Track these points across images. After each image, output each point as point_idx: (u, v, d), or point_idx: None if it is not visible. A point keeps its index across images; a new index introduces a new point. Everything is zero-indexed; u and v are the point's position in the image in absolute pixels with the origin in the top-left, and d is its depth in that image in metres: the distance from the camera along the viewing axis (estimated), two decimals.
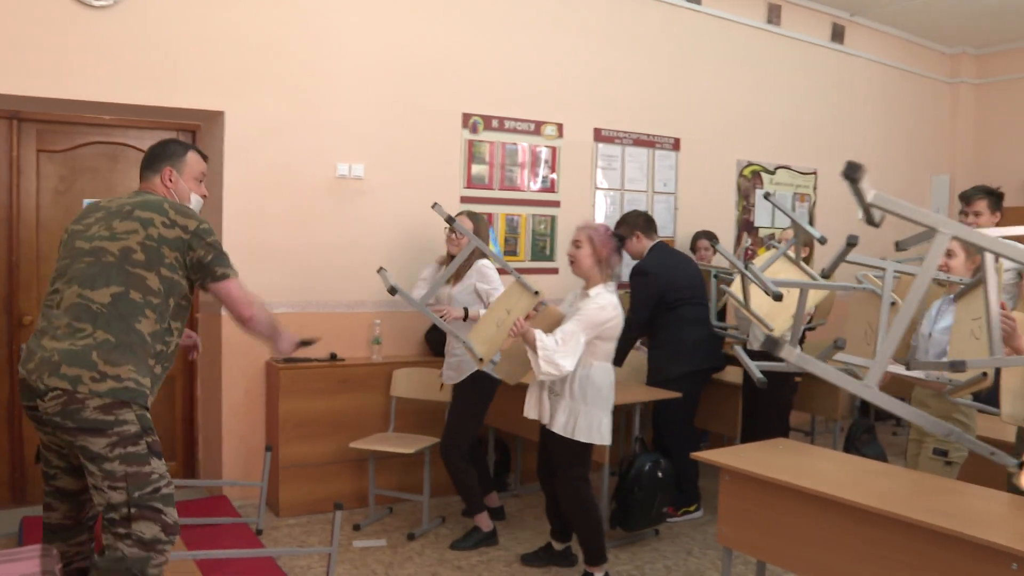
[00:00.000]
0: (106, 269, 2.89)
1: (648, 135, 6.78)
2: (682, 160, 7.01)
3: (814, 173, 7.92)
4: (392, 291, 4.06)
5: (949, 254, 3.92)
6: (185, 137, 5.38)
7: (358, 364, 5.37)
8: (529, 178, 6.18)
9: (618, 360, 5.38)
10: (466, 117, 5.86)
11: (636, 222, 5.48)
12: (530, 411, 4.28)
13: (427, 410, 5.39)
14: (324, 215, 5.36)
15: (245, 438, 5.22)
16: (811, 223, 7.64)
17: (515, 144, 6.09)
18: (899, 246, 2.92)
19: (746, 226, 7.48)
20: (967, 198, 4.99)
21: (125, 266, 2.89)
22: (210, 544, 4.32)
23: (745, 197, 7.43)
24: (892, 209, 2.17)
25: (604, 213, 6.59)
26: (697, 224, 6.86)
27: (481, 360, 4.10)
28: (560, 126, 6.30)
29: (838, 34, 8.02)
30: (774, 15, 7.52)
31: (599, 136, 6.53)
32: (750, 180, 7.49)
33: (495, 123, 5.99)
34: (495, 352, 4.15)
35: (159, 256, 2.93)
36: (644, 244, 5.44)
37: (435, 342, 5.56)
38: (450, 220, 4.49)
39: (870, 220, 2.50)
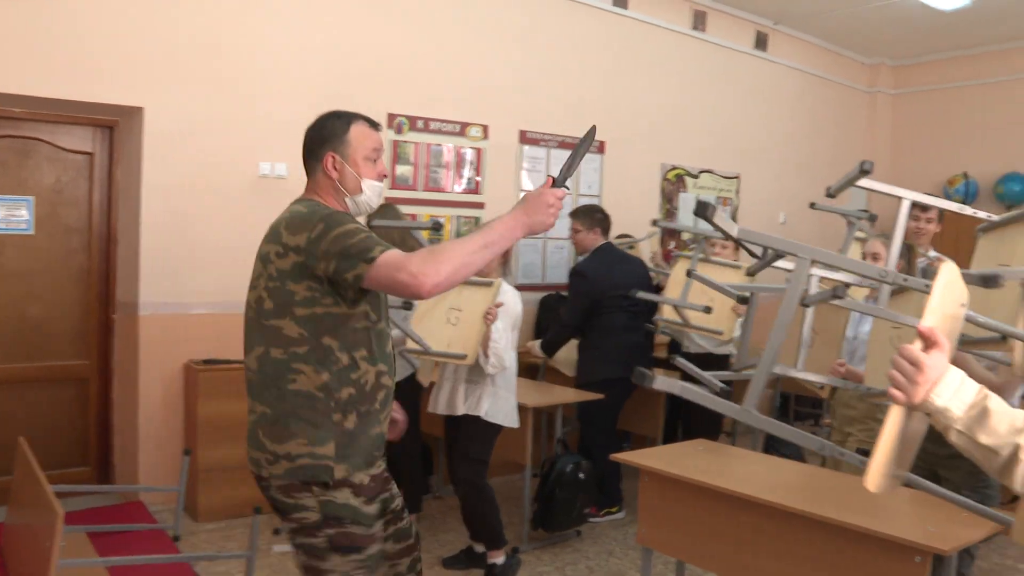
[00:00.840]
0: (249, 328, 2.52)
1: (573, 138, 6.81)
2: (607, 163, 7.06)
3: (737, 177, 8.04)
4: (408, 305, 4.03)
5: (875, 257, 4.03)
6: (102, 134, 5.23)
7: None
8: (454, 179, 6.17)
9: (550, 352, 5.46)
10: (391, 117, 5.82)
11: (598, 219, 5.49)
12: (441, 406, 4.34)
13: None
14: (247, 215, 5.25)
15: (163, 442, 5.09)
16: None
17: (440, 145, 6.07)
18: (829, 192, 3.13)
19: (669, 230, 7.56)
20: (924, 205, 5.19)
21: (261, 320, 2.46)
22: (125, 551, 4.13)
23: (669, 200, 7.51)
24: (758, 241, 2.46)
25: None
26: (621, 227, 6.91)
27: (465, 358, 4.11)
28: (485, 127, 6.30)
29: (762, 42, 8.17)
30: (699, 21, 7.63)
31: (524, 138, 6.55)
32: (674, 184, 7.58)
33: (420, 124, 5.96)
34: (476, 349, 4.14)
35: (287, 295, 2.42)
36: (595, 241, 5.46)
37: None
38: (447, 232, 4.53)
39: (751, 253, 2.67)
